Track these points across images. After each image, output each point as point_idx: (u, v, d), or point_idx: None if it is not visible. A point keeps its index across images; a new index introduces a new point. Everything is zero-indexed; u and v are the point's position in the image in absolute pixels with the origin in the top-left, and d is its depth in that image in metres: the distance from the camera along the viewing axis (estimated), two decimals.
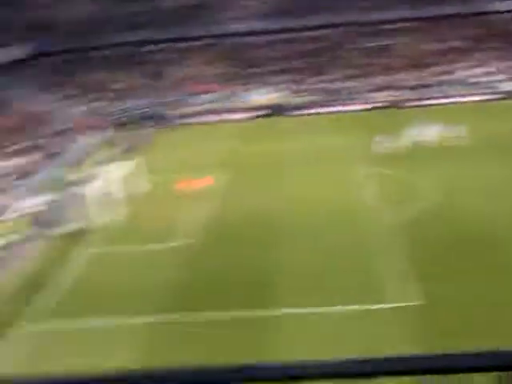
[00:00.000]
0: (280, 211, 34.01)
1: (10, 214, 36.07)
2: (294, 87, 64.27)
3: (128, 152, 48.29)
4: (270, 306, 23.51)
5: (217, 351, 20.14)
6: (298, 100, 62.33)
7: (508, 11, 68.02)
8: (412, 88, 61.41)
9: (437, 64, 63.91)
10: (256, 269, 27.00)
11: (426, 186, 35.73)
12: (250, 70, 67.72)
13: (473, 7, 67.60)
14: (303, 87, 64.19)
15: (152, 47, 70.67)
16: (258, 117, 60.30)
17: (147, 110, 62.08)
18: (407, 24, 68.97)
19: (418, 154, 42.14)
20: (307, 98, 62.19)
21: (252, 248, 29.33)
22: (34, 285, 27.50)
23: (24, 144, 47.83)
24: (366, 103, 60.37)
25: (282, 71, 66.78)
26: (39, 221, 34.21)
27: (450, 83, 61.19)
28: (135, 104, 63.02)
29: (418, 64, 64.08)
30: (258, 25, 69.54)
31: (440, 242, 28.06)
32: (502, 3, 67.57)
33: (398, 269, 25.72)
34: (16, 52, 59.33)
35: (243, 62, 69.20)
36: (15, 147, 46.81)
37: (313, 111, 60.29)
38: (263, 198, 36.52)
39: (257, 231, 31.58)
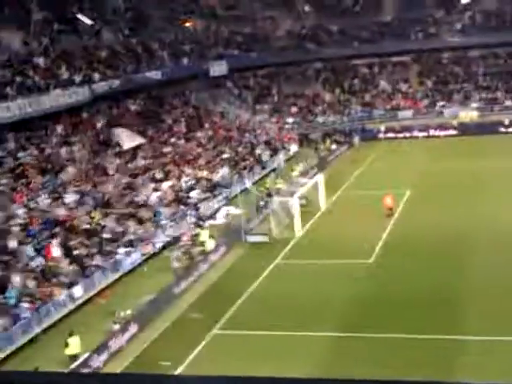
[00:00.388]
0: (474, 230, 32.74)
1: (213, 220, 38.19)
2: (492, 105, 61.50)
3: (319, 166, 49.03)
4: (457, 329, 22.75)
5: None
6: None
7: None
8: None
9: None
10: (446, 288, 26.34)
11: None
12: (453, 86, 65.88)
13: None
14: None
15: (358, 61, 70.91)
16: (456, 134, 58.50)
17: (344, 124, 62.69)
18: None
19: None
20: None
21: (444, 266, 28.63)
22: (222, 292, 28.83)
23: (232, 152, 50.38)
24: None
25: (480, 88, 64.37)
26: (233, 229, 35.75)
27: None
28: (332, 118, 63.82)
29: None
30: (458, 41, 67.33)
31: None
32: None
33: None
34: (223, 67, 62.51)
35: (445, 77, 67.50)
36: (226, 155, 49.33)
37: None
38: (457, 215, 35.44)
39: (449, 249, 30.76)
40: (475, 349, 21.52)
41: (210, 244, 32.88)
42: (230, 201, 41.48)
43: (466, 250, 30.54)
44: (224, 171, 45.52)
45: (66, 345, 22.36)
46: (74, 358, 21.95)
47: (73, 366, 21.33)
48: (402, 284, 27.53)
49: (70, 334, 22.76)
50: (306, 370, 20.57)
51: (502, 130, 57.77)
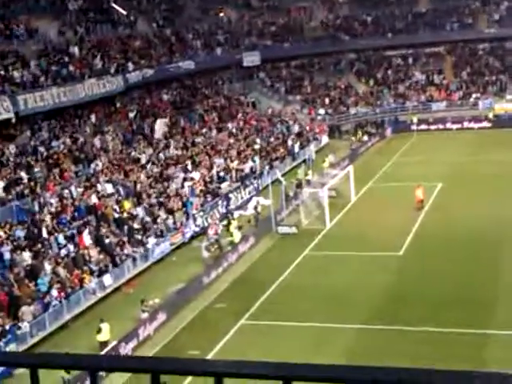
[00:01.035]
0: (507, 224, 32.37)
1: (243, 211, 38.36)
2: None
3: (350, 158, 48.90)
4: (485, 325, 22.62)
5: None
6: None
7: None
8: None
9: None
10: (477, 282, 26.22)
11: None
12: (488, 78, 65.07)
13: None
14: None
15: (392, 52, 70.29)
16: (491, 127, 57.81)
17: (377, 115, 62.36)
18: None
19: None
20: None
21: (474, 260, 28.48)
22: (251, 283, 29.02)
23: (263, 142, 50.42)
24: None
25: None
26: (262, 220, 35.90)
27: None
28: (364, 109, 63.49)
29: None
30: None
31: None
32: None
33: None
34: (256, 57, 62.52)
35: (479, 69, 66.68)
36: (257, 146, 49.37)
37: None
38: (489, 208, 35.11)
39: (480, 243, 30.52)
40: (506, 342, 21.37)
41: (239, 235, 33.06)
42: (260, 192, 41.61)
43: (498, 244, 30.25)
44: (255, 162, 45.63)
45: (99, 331, 22.76)
46: (105, 344, 22.33)
47: (102, 352, 21.71)
48: (432, 277, 27.41)
49: (101, 321, 23.15)
50: (335, 361, 20.67)
51: None
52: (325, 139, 57.24)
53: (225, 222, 35.07)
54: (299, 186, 41.01)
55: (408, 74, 68.28)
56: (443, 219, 34.62)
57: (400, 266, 29.34)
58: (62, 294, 26.00)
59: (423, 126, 59.72)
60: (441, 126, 59.67)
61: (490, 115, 58.85)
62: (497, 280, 26.48)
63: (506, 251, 29.27)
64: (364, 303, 25.56)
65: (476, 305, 24.35)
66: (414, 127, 59.75)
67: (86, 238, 30.17)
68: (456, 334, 22.43)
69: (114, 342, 22.37)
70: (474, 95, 63.27)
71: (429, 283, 26.87)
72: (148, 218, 34.15)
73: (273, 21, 71.21)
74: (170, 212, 35.31)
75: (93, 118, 43.77)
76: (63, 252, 28.88)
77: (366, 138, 56.62)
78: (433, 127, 59.82)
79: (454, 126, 59.20)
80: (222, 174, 42.46)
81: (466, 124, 59.17)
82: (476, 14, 68.78)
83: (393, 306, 25.14)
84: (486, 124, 58.50)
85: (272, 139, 52.43)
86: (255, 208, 37.63)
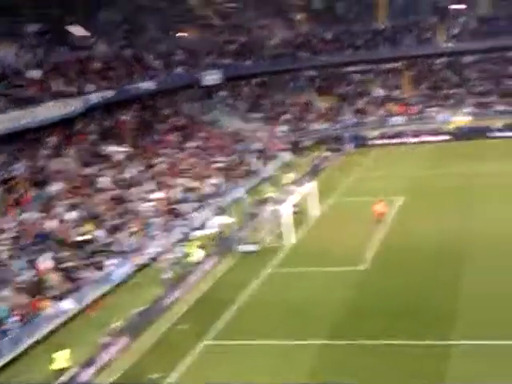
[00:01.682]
0: (468, 236, 32.86)
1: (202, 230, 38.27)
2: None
3: (312, 174, 49.23)
4: (447, 335, 22.87)
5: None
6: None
7: None
8: None
9: None
10: (438, 295, 26.47)
11: None
12: (446, 92, 66.22)
13: None
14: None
15: (351, 69, 71.16)
16: (449, 140, 58.78)
17: (337, 131, 62.96)
18: None
19: None
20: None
21: (436, 273, 28.78)
22: (213, 302, 28.99)
23: (225, 161, 50.61)
24: None
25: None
26: (224, 238, 35.94)
27: None
28: (325, 126, 64.05)
29: None
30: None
31: None
32: None
33: None
34: (216, 76, 62.82)
35: (438, 83, 67.88)
36: (219, 165, 49.56)
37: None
38: (450, 221, 35.59)
39: (441, 255, 30.89)
40: (464, 353, 21.60)
41: (202, 254, 33.04)
42: (221, 210, 41.63)
43: (459, 257, 30.55)
44: (216, 180, 45.71)
45: (52, 360, 22.37)
46: (62, 372, 22.04)
47: (60, 380, 21.45)
48: (393, 291, 27.54)
49: (58, 349, 22.82)
50: (298, 378, 20.75)
51: (496, 134, 57.83)
52: (286, 156, 57.57)
53: (186, 242, 35.02)
54: (261, 203, 41.15)
55: (367, 90, 69.11)
56: (405, 233, 34.96)
57: (362, 280, 29.46)
58: (21, 319, 25.66)
59: (383, 141, 60.47)
60: (400, 140, 60.28)
61: (449, 128, 59.75)
62: (456, 293, 26.71)
63: (468, 264, 29.55)
64: (326, 318, 25.59)
65: (434, 317, 24.57)
66: (373, 142, 60.44)
67: (46, 263, 29.88)
68: (412, 346, 22.56)
69: (74, 369, 22.12)
70: (432, 109, 64.22)
71: (391, 296, 27.01)
72: (109, 240, 33.96)
73: (233, 39, 71.64)
74: (131, 233, 35.16)
75: (52, 140, 43.48)
76: (23, 277, 28.55)
77: (326, 153, 57.07)
78: (393, 141, 60.42)
79: (413, 140, 59.91)
80: (183, 193, 42.42)
81: (424, 137, 59.90)
82: (434, 29, 69.96)
83: (355, 321, 25.23)
84: (445, 137, 59.36)
85: (233, 157, 52.59)
86: (217, 227, 37.60)
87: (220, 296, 29.39)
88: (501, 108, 61.80)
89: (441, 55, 69.30)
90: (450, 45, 67.80)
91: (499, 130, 58.15)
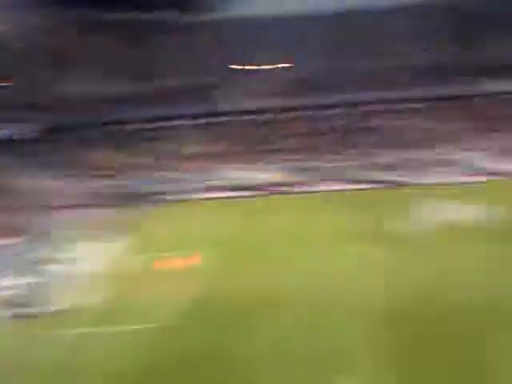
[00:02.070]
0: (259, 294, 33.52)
1: None
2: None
3: (117, 230, 48.34)
4: None
5: None
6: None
7: None
8: None
9: None
10: (223, 354, 26.65)
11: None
12: (255, 148, 68.21)
13: None
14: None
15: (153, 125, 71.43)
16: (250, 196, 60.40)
17: (140, 187, 62.65)
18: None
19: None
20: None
21: (223, 331, 28.98)
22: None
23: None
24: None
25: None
26: (16, 301, 34.07)
27: None
28: (131, 182, 63.62)
29: None
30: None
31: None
32: None
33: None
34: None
35: (245, 140, 69.82)
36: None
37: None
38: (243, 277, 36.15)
39: (228, 313, 31.24)
40: None
41: None
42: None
43: (260, 313, 31.03)
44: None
45: None
46: None
47: None
48: (192, 348, 27.51)
49: None
50: None
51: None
52: (90, 212, 55.78)
53: None
54: (44, 263, 39.50)
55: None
56: (205, 289, 35.04)
57: (155, 338, 29.08)
58: None
59: (181, 197, 60.01)
60: (200, 196, 60.23)
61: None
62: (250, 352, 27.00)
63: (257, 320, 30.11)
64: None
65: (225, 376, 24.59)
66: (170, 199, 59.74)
67: None
68: None
69: None
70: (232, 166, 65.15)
71: (182, 354, 26.92)
72: None
73: None
74: None
75: None
76: None
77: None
78: (190, 197, 59.92)
79: (212, 195, 60.16)
80: None
81: (222, 194, 60.58)
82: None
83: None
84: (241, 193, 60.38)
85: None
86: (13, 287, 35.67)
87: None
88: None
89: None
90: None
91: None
